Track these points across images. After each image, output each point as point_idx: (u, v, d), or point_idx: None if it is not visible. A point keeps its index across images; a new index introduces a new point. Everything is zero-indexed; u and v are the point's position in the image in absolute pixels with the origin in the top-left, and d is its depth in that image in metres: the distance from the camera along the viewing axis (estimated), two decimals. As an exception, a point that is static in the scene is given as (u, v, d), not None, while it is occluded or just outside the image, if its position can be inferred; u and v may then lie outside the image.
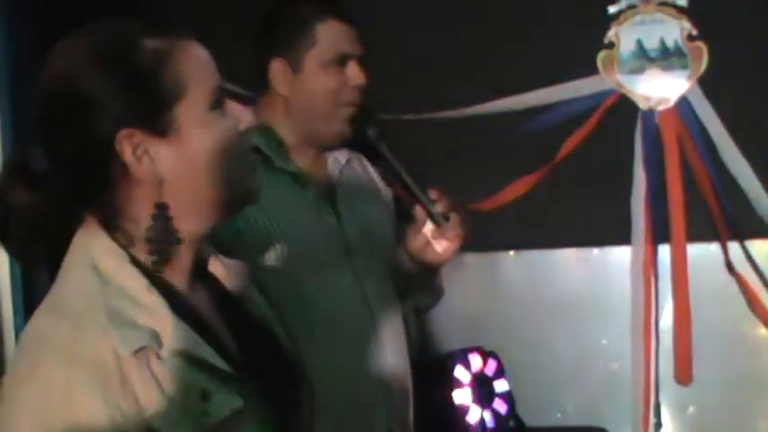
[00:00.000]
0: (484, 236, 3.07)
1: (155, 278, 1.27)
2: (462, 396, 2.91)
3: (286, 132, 2.07)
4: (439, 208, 2.01)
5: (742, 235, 2.97)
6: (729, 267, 2.99)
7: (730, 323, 3.02)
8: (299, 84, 2.05)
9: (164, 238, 1.28)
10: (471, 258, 3.14)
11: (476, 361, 2.96)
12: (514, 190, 3.04)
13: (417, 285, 2.17)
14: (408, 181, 2.04)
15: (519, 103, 2.99)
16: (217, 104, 1.30)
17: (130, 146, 1.24)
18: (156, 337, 1.22)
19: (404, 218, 2.12)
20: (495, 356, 3.00)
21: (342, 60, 2.04)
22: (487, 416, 2.93)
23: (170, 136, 1.26)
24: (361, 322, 2.05)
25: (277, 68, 2.05)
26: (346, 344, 2.02)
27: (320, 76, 2.03)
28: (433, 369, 2.99)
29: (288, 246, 1.98)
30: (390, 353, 2.10)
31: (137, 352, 1.20)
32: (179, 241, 1.29)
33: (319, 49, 2.03)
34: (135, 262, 1.27)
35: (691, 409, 3.07)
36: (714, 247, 3.01)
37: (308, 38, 2.03)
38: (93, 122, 1.24)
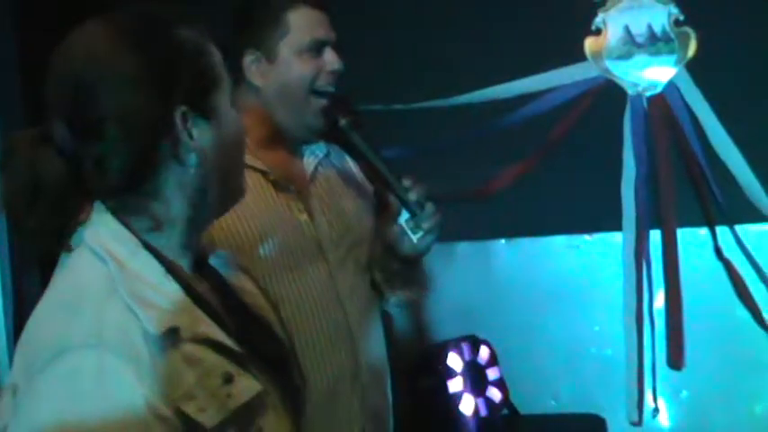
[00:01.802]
0: (475, 224, 3.09)
1: (167, 264, 1.29)
2: (455, 385, 2.91)
3: (260, 127, 2.04)
4: (413, 196, 2.00)
5: (732, 219, 2.98)
6: (718, 252, 3.00)
7: (722, 307, 3.02)
8: (273, 73, 2.03)
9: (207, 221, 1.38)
10: (463, 247, 3.15)
11: (468, 349, 2.97)
12: (505, 178, 3.04)
13: (398, 279, 2.16)
14: (382, 170, 2.03)
15: (507, 92, 2.98)
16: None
17: (183, 124, 1.27)
18: (179, 319, 1.23)
19: (382, 210, 2.11)
20: (488, 344, 3.01)
21: (316, 47, 2.02)
22: (481, 404, 2.94)
23: (212, 119, 1.31)
24: (334, 320, 2.03)
25: (251, 60, 2.03)
26: (318, 342, 2.00)
27: (295, 63, 2.02)
28: (425, 358, 3.00)
29: (258, 244, 1.95)
30: (364, 350, 2.08)
31: (165, 333, 1.21)
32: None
33: (293, 37, 2.01)
34: (147, 247, 1.28)
35: (684, 394, 3.08)
36: (705, 232, 3.02)
37: (281, 27, 2.01)
38: (147, 101, 1.25)
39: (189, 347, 1.23)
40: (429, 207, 2.01)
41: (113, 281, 1.23)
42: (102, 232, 1.27)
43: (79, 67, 1.26)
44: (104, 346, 1.17)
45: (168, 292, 1.26)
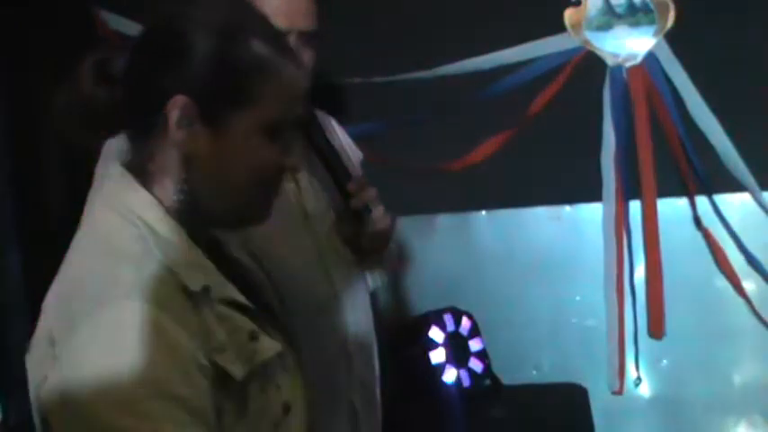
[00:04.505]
0: (455, 196, 3.09)
1: (188, 231, 1.32)
2: (438, 356, 2.93)
3: None
4: (357, 203, 1.98)
5: (710, 190, 2.99)
6: (697, 222, 3.01)
7: (702, 276, 3.05)
8: None
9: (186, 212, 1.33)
10: (443, 219, 3.15)
11: (450, 321, 2.98)
12: (485, 149, 3.04)
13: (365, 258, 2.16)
14: (333, 172, 2.00)
15: (487, 63, 2.98)
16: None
17: (176, 109, 1.27)
18: (210, 280, 1.29)
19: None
20: (470, 316, 3.01)
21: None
22: (463, 375, 2.95)
23: (215, 131, 1.29)
24: (322, 289, 2.02)
25: None
26: (306, 312, 1.98)
27: None
28: (407, 330, 3.01)
29: None
30: (352, 319, 2.07)
31: (200, 290, 1.26)
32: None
33: None
34: (170, 215, 1.31)
35: (664, 362, 3.10)
36: (684, 202, 3.04)
37: None
38: (158, 67, 1.28)
39: (219, 307, 1.28)
40: (377, 212, 1.99)
41: (149, 243, 1.27)
42: (130, 198, 1.30)
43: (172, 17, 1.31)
44: (146, 298, 1.20)
45: (195, 256, 1.30)
